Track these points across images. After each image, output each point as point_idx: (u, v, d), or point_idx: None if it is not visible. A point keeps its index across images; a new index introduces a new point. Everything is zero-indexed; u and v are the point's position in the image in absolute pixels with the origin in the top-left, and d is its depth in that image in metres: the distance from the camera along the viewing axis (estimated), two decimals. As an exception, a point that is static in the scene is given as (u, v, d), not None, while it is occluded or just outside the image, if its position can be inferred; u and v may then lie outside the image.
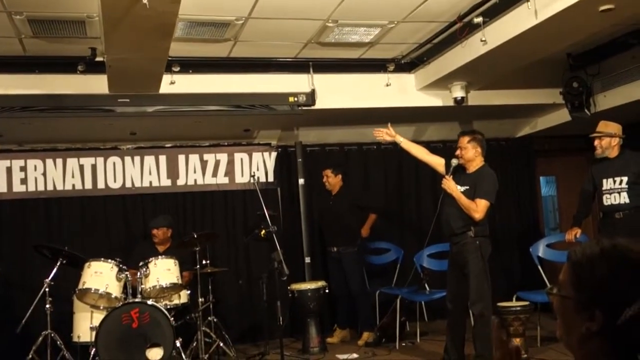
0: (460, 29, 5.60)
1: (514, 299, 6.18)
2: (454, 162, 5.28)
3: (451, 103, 6.80)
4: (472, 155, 5.26)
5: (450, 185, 5.20)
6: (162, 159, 7.39)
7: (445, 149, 7.38)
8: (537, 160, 8.85)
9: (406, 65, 6.79)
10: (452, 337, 5.42)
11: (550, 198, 9.42)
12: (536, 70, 6.37)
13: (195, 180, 7.49)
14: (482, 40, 5.42)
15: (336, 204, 7.07)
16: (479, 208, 5.09)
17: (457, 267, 5.29)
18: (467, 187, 5.18)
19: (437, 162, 5.53)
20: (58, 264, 5.95)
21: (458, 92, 6.72)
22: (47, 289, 5.89)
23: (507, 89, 7.10)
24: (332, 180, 7.11)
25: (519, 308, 5.63)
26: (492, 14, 5.29)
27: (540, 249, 6.69)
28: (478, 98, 7.02)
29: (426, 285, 6.92)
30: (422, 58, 6.57)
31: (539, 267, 6.51)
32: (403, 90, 6.89)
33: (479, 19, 5.37)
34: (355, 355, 6.23)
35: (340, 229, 6.96)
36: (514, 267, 8.21)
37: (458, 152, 5.30)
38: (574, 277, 1.46)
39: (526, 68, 6.17)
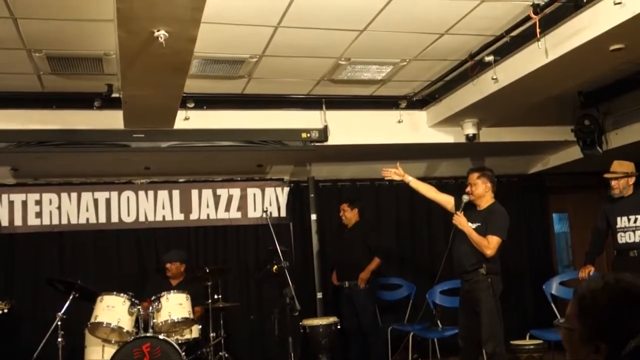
0: (471, 67, 5.66)
1: (527, 337, 6.11)
2: (465, 198, 5.28)
3: (463, 140, 6.83)
4: (482, 191, 5.26)
5: (461, 221, 5.19)
6: (176, 193, 7.45)
7: (457, 185, 7.39)
8: (550, 197, 8.84)
9: (418, 102, 6.84)
10: None
11: (563, 235, 9.37)
12: (547, 107, 6.40)
13: (208, 215, 7.53)
14: (493, 79, 5.46)
15: (350, 239, 7.06)
16: (490, 244, 5.07)
17: (469, 305, 5.26)
18: (479, 224, 5.17)
19: (446, 200, 5.54)
20: (71, 297, 5.98)
21: (470, 129, 6.75)
22: (59, 323, 5.91)
23: (518, 126, 7.13)
24: (349, 214, 7.12)
25: (532, 346, 5.58)
26: (502, 53, 5.35)
27: (554, 287, 6.63)
28: (490, 135, 7.05)
29: (438, 322, 6.87)
30: (433, 95, 6.63)
31: (552, 305, 6.45)
32: (415, 127, 6.94)
33: (490, 58, 5.43)
34: (366, 393, 6.16)
35: (352, 264, 6.93)
36: (527, 305, 8.14)
37: (468, 188, 5.31)
38: (579, 310, 1.50)
39: (538, 105, 6.20)
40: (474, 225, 5.17)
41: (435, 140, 7.00)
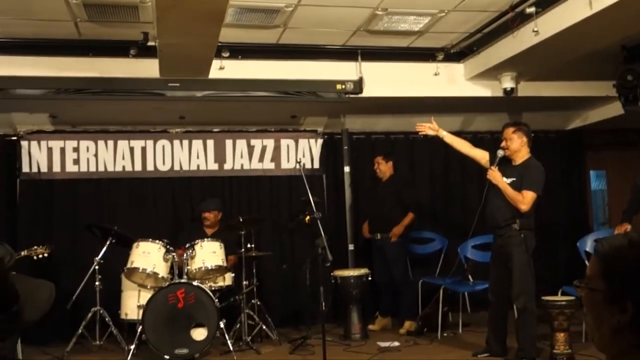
0: (512, 19, 5.52)
1: (559, 293, 6.09)
2: (500, 153, 5.21)
3: (500, 94, 6.71)
4: (518, 145, 5.19)
5: (495, 176, 5.14)
6: (210, 143, 7.49)
7: (493, 140, 7.30)
8: (588, 154, 8.69)
9: (455, 54, 6.72)
10: (494, 329, 5.39)
11: (600, 192, 9.24)
12: (589, 62, 6.23)
13: (242, 165, 7.57)
14: (534, 31, 5.33)
15: (383, 192, 7.07)
16: (525, 199, 5.03)
17: (501, 260, 5.25)
18: (514, 179, 5.12)
19: (481, 156, 5.48)
20: (108, 243, 6.13)
21: (508, 83, 6.63)
22: (96, 267, 6.09)
23: (558, 81, 6.98)
24: (383, 167, 7.11)
25: (564, 303, 5.55)
26: (545, 4, 5.21)
27: (588, 244, 6.56)
28: (528, 89, 6.91)
29: (469, 276, 6.88)
30: (471, 48, 6.50)
31: (586, 262, 6.40)
32: (452, 80, 6.84)
33: (532, 9, 5.28)
34: (396, 344, 6.24)
35: (385, 217, 6.95)
36: (561, 262, 8.10)
37: (503, 143, 5.24)
38: (603, 270, 1.46)
39: (579, 60, 6.04)
40: (509, 180, 5.12)
41: (472, 94, 6.90)
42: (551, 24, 5.23)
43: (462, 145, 5.56)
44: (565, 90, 7.11)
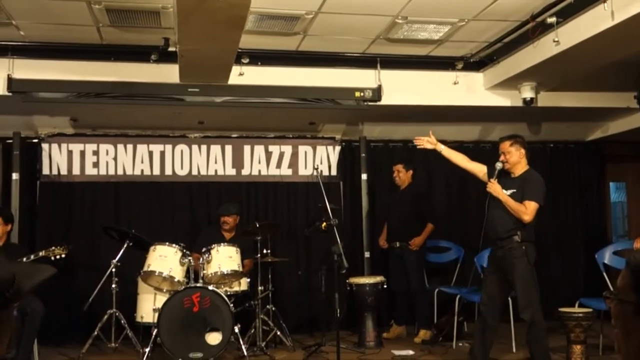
0: (532, 29, 5.51)
1: (576, 305, 6.04)
2: (499, 165, 5.18)
3: (520, 104, 6.68)
4: (516, 158, 5.18)
5: (496, 188, 5.11)
6: (228, 148, 7.53)
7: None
8: (608, 165, 8.62)
9: (475, 63, 6.71)
10: (482, 340, 5.27)
11: (619, 204, 9.16)
12: (610, 72, 6.20)
13: (260, 171, 7.60)
14: (554, 41, 5.31)
15: (403, 200, 7.06)
16: (528, 210, 5.00)
17: (500, 272, 5.20)
18: (514, 190, 5.09)
19: (479, 169, 5.46)
20: (125, 246, 6.18)
21: (527, 93, 6.60)
22: (113, 270, 6.13)
23: (578, 91, 6.93)
24: (403, 176, 7.09)
25: (581, 315, 5.51)
26: (566, 14, 5.19)
27: (607, 256, 6.50)
28: (548, 99, 6.88)
29: (486, 287, 6.83)
30: (491, 57, 6.49)
31: (604, 274, 6.34)
32: (471, 89, 6.82)
33: (553, 19, 5.27)
34: (411, 352, 6.21)
35: (404, 225, 6.94)
36: (578, 273, 8.02)
37: (502, 157, 5.21)
38: (634, 282, 1.45)
39: (599, 70, 6.01)
40: (509, 192, 5.10)
41: (491, 103, 6.88)
42: (572, 34, 5.21)
43: (460, 159, 5.52)
44: (585, 101, 7.06)
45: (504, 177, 5.19)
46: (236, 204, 7.02)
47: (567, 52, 5.37)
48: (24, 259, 5.60)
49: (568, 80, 6.46)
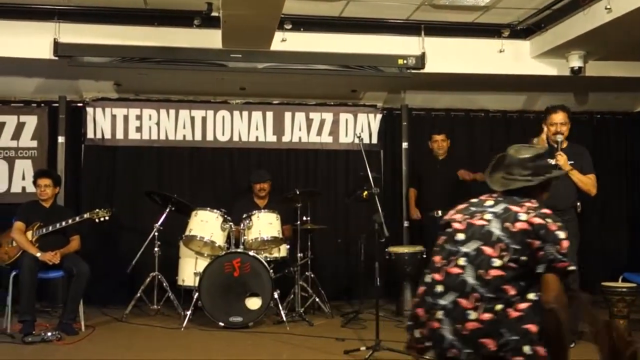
0: (583, -4, 5.36)
1: (619, 279, 5.95)
2: (559, 137, 5.07)
3: (567, 73, 6.54)
4: (567, 130, 5.11)
5: (566, 160, 4.99)
6: (269, 115, 7.52)
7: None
8: (656, 137, 8.40)
9: (522, 31, 6.56)
10: None
11: (667, 177, 8.92)
12: (662, 41, 6.01)
13: (300, 138, 7.59)
14: (606, 8, 5.17)
15: (444, 169, 6.98)
16: (595, 183, 4.96)
17: None
18: (571, 162, 5.00)
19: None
20: (167, 210, 6.26)
21: (575, 62, 6.44)
22: (156, 233, 6.23)
23: (628, 61, 6.73)
24: (444, 145, 7.00)
25: (624, 289, 5.42)
26: (619, -20, 5.03)
27: (652, 230, 6.38)
28: (596, 69, 6.70)
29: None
30: (539, 24, 6.33)
31: (649, 249, 6.23)
32: (517, 58, 6.68)
33: (605, -15, 5.11)
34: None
35: (445, 195, 6.87)
36: (623, 248, 7.87)
37: (561, 128, 5.08)
38: None
39: (652, 39, 5.83)
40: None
41: (537, 72, 6.73)
42: (625, 1, 5.05)
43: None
44: (635, 71, 6.86)
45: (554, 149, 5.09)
46: (266, 170, 7.02)
47: (619, 20, 5.23)
48: (70, 221, 5.73)
49: (618, 50, 6.28)
